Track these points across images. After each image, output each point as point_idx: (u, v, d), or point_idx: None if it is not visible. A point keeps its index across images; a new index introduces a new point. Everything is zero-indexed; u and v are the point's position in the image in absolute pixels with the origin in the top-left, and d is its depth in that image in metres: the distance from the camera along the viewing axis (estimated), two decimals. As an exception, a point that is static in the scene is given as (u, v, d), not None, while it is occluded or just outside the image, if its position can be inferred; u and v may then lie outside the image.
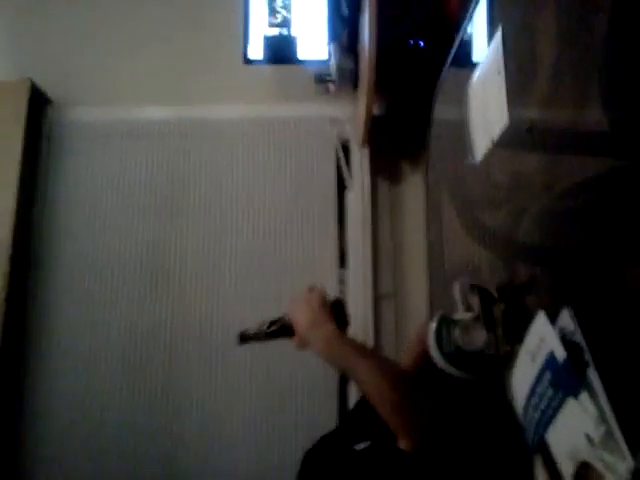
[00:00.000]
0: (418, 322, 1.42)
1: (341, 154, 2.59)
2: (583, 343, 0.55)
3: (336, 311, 1.20)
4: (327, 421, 2.29)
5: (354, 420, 1.33)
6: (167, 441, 2.34)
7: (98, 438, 2.32)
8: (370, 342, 2.37)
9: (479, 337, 0.78)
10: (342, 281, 2.51)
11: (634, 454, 0.46)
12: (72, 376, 2.36)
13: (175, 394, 2.40)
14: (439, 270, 1.24)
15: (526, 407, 0.62)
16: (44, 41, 2.66)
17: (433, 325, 0.82)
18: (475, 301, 0.80)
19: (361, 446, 1.15)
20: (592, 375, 0.53)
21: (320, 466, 1.24)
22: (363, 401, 1.23)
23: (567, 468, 0.55)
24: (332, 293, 2.23)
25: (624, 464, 0.47)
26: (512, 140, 0.86)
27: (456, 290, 0.85)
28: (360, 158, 2.57)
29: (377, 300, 2.44)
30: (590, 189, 0.72)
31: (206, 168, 2.57)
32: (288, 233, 2.52)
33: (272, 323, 1.23)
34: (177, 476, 2.36)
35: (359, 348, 1.14)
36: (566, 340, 0.57)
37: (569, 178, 0.79)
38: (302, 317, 1.18)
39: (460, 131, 1.08)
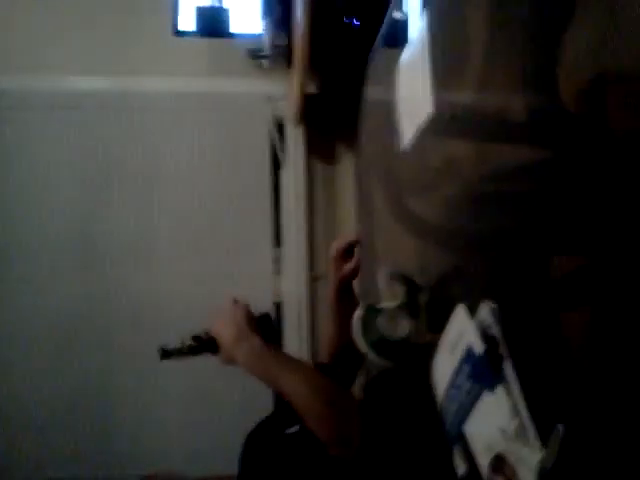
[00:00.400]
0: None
1: (275, 132, 2.56)
2: (500, 337, 0.56)
3: (263, 325, 1.17)
4: (264, 401, 2.30)
5: (286, 404, 1.34)
6: (101, 422, 2.31)
7: (30, 417, 2.28)
8: (304, 322, 2.38)
9: (403, 326, 0.78)
10: (277, 260, 2.50)
11: (544, 447, 0.47)
12: (3, 361, 2.30)
13: (109, 375, 2.36)
14: (368, 256, 1.24)
15: (445, 399, 0.63)
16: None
17: (359, 313, 0.82)
18: (400, 290, 0.81)
19: (291, 430, 1.16)
20: (507, 369, 0.54)
21: (257, 450, 1.24)
22: None
23: (484, 460, 0.56)
24: (266, 277, 2.23)
25: (534, 457, 0.48)
26: (437, 127, 0.86)
27: (381, 278, 0.85)
28: (295, 136, 2.55)
29: (312, 280, 2.45)
30: (514, 177, 0.73)
31: (137, 142, 2.51)
32: (223, 211, 2.49)
33: (195, 338, 1.20)
34: (112, 455, 2.33)
35: (284, 362, 1.13)
36: (485, 333, 0.58)
37: (494, 166, 0.79)
38: (226, 331, 1.15)
39: (389, 113, 1.07)
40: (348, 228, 2.46)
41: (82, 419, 2.31)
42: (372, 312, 0.81)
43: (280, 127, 2.60)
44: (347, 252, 1.36)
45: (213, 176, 2.51)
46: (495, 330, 0.56)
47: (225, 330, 1.16)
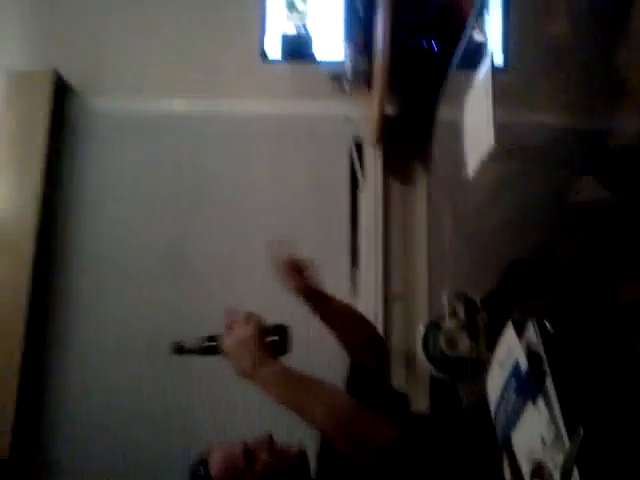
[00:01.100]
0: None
1: (355, 153, 2.64)
2: (543, 355, 0.61)
3: (278, 338, 1.19)
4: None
5: None
6: (181, 434, 2.41)
7: (114, 425, 2.41)
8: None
9: (463, 344, 0.84)
10: (353, 280, 2.56)
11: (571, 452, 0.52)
12: (94, 367, 2.45)
13: (185, 390, 2.47)
14: (436, 273, 1.30)
15: (496, 411, 0.68)
16: (69, 31, 2.72)
17: (421, 330, 0.88)
18: (461, 309, 0.86)
19: None
20: (549, 383, 0.59)
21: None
22: None
23: (526, 467, 0.61)
24: (343, 297, 2.28)
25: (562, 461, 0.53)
26: (499, 156, 0.91)
27: (444, 298, 0.90)
28: (374, 157, 2.62)
29: (387, 300, 2.49)
30: (578, 208, 0.77)
31: (223, 162, 2.64)
32: (301, 230, 2.58)
33: (210, 339, 1.22)
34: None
35: (309, 386, 1.12)
36: (530, 351, 0.63)
37: (557, 196, 0.83)
38: (242, 360, 1.15)
39: (458, 136, 1.13)
40: (422, 248, 2.49)
41: (160, 433, 2.42)
42: (434, 329, 0.87)
43: (359, 148, 2.67)
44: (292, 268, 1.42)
45: (293, 195, 2.61)
46: (540, 348, 0.62)
47: (240, 356, 1.15)
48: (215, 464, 1.31)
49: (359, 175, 2.63)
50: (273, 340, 1.17)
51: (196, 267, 2.56)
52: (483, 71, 0.94)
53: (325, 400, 1.07)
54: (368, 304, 2.45)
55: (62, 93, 2.63)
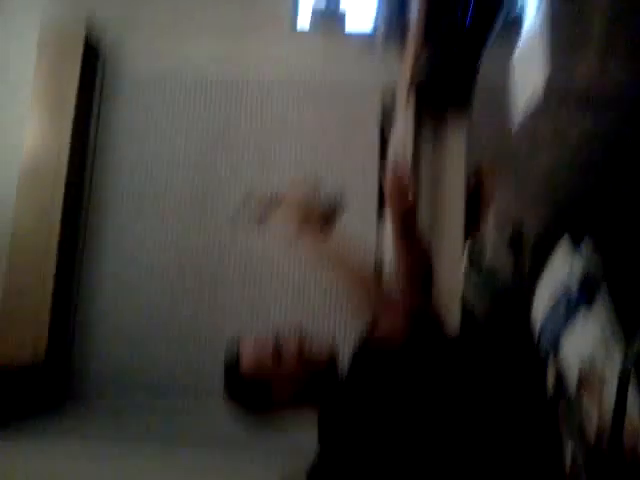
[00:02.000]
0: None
1: (385, 118, 2.65)
2: (600, 264, 0.65)
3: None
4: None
5: None
6: (207, 345, 2.50)
7: (145, 326, 2.52)
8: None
9: (508, 263, 0.87)
10: (382, 218, 2.59)
11: (627, 354, 0.56)
12: (123, 285, 2.55)
13: (218, 303, 2.56)
14: (475, 209, 1.32)
15: (545, 317, 0.72)
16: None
17: (467, 249, 0.91)
18: (507, 230, 0.89)
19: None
20: (603, 293, 0.63)
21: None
22: None
23: (574, 366, 0.65)
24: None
25: (619, 361, 0.57)
26: (550, 101, 0.93)
27: (490, 219, 0.93)
28: (404, 119, 2.61)
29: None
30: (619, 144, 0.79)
31: (253, 115, 2.68)
32: (332, 167, 2.62)
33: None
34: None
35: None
36: (585, 263, 0.67)
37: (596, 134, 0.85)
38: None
39: (502, 94, 1.14)
40: (452, 205, 2.50)
41: (188, 348, 2.52)
42: (479, 248, 0.91)
43: (389, 114, 2.68)
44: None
45: (323, 156, 2.64)
46: (596, 258, 0.65)
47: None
48: (245, 362, 1.34)
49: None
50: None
51: (224, 210, 2.62)
52: (537, 16, 0.95)
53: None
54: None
55: (93, 50, 2.65)
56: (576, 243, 0.70)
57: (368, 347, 1.15)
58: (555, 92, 0.95)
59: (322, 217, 1.28)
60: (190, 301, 2.59)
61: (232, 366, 1.35)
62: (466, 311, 1.11)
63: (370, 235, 2.59)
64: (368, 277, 1.24)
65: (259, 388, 1.33)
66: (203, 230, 2.63)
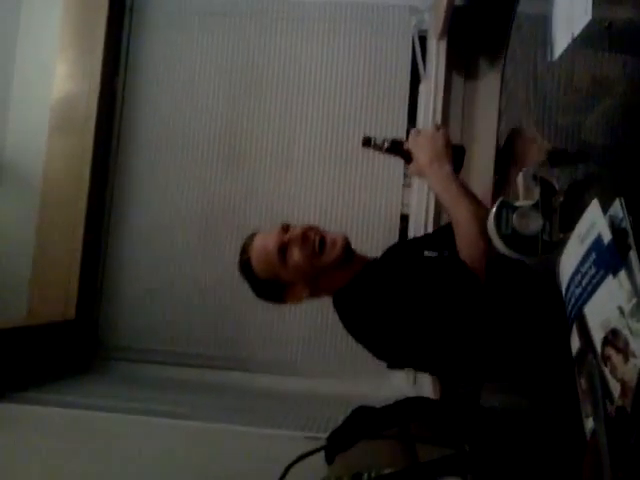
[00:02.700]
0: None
1: (418, 45, 2.57)
2: (629, 229, 0.61)
3: (456, 155, 1.33)
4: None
5: (436, 236, 1.47)
6: (237, 301, 2.52)
7: (172, 285, 2.55)
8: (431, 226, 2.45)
9: (535, 223, 0.84)
10: (407, 174, 2.55)
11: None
12: (153, 229, 2.57)
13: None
14: (505, 165, 1.29)
15: (570, 283, 0.70)
16: None
17: (493, 209, 0.88)
18: (536, 191, 0.86)
19: (429, 254, 1.34)
20: (633, 257, 0.60)
21: (394, 263, 1.40)
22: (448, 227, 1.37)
23: (598, 334, 0.62)
24: (396, 188, 2.29)
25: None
26: (592, 38, 0.88)
27: (520, 179, 0.90)
28: (437, 50, 2.54)
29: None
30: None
31: (284, 49, 2.61)
32: (359, 121, 2.57)
33: (394, 142, 1.38)
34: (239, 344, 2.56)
35: (465, 194, 1.27)
36: (614, 226, 0.63)
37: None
38: (424, 152, 1.31)
39: (542, 26, 1.08)
40: (482, 147, 2.45)
41: (217, 305, 2.54)
42: (507, 208, 0.88)
43: (423, 40, 2.59)
44: None
45: (354, 85, 2.58)
46: (625, 223, 0.62)
47: (424, 149, 1.31)
48: (255, 259, 1.43)
49: (420, 68, 2.56)
50: (454, 150, 1.33)
51: (251, 154, 2.59)
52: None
53: (471, 208, 1.24)
54: (420, 197, 2.46)
55: None
56: (608, 204, 0.66)
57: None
58: (598, 30, 0.90)
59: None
60: (218, 255, 2.60)
61: (245, 267, 1.41)
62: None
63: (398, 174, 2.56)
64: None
65: (277, 284, 1.38)
66: (230, 178, 2.62)
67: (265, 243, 1.41)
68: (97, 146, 2.45)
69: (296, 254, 1.37)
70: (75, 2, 2.48)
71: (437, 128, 1.35)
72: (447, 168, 1.28)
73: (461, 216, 1.23)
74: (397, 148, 1.37)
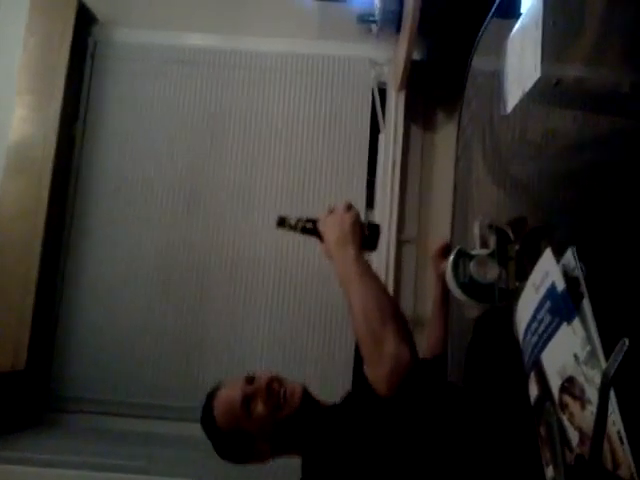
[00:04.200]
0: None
1: (377, 97, 2.63)
2: (581, 277, 0.63)
3: (370, 233, 1.31)
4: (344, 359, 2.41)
5: None
6: (193, 348, 2.49)
7: (127, 333, 2.49)
8: (390, 284, 2.46)
9: (492, 271, 0.86)
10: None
11: (605, 373, 0.54)
12: (108, 277, 2.52)
13: (203, 308, 2.54)
14: (462, 214, 1.31)
15: (526, 332, 0.70)
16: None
17: (451, 257, 0.90)
18: (492, 239, 0.88)
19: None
20: (585, 304, 0.61)
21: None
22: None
23: (555, 382, 0.63)
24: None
25: (599, 379, 0.55)
26: (542, 94, 0.91)
27: (475, 228, 0.92)
28: (396, 102, 2.61)
29: (400, 244, 2.53)
30: (609, 148, 0.78)
31: (245, 98, 2.65)
32: (319, 168, 2.60)
33: (309, 221, 1.36)
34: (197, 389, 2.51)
35: (364, 280, 1.21)
36: (567, 275, 0.65)
37: (591, 136, 0.84)
38: (332, 233, 1.28)
39: (496, 82, 1.12)
40: (440, 196, 2.51)
41: (174, 354, 2.50)
42: (464, 257, 0.89)
43: (382, 92, 2.66)
44: (445, 253, 1.43)
45: (314, 134, 2.62)
46: (577, 271, 0.63)
47: (331, 229, 1.29)
48: (217, 410, 1.43)
49: (380, 118, 2.62)
50: (365, 230, 1.31)
51: (213, 200, 2.59)
52: (533, 5, 0.93)
53: (365, 301, 1.17)
54: (381, 246, 2.47)
55: (84, 20, 2.62)
56: (560, 252, 0.68)
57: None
58: (547, 86, 0.93)
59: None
60: (176, 303, 2.56)
61: (208, 422, 1.40)
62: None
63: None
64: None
65: (240, 439, 1.36)
66: (190, 227, 2.61)
67: (230, 394, 1.45)
68: (53, 191, 2.41)
69: (260, 407, 1.39)
70: (36, 46, 2.48)
71: (347, 208, 1.32)
72: (350, 250, 1.24)
73: (354, 304, 1.17)
74: (310, 228, 1.36)
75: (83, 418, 2.44)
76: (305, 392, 1.42)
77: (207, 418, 1.44)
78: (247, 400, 1.39)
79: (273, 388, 1.40)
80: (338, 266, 1.24)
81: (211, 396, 1.47)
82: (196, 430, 2.26)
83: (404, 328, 1.14)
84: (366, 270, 1.24)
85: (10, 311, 2.27)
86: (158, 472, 1.84)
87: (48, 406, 2.44)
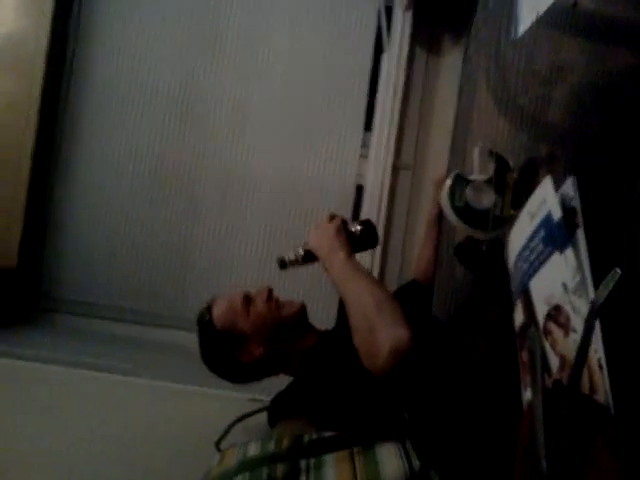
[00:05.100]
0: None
1: (383, 14, 2.54)
2: (578, 208, 0.63)
3: (363, 231, 1.33)
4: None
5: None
6: (184, 258, 2.51)
7: (118, 238, 2.50)
8: (383, 209, 2.46)
9: (488, 197, 0.85)
10: (365, 144, 2.55)
11: (592, 303, 0.55)
12: (100, 180, 2.51)
13: (195, 218, 2.54)
14: (462, 141, 1.29)
15: (517, 259, 0.71)
16: None
17: (448, 181, 0.89)
18: (491, 166, 0.87)
19: None
20: (580, 235, 0.61)
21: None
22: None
23: (542, 309, 0.64)
24: (352, 158, 2.27)
25: (586, 310, 0.56)
26: (556, 19, 0.88)
27: (475, 153, 0.91)
28: (402, 22, 2.52)
29: (396, 170, 2.50)
30: (616, 83, 0.76)
31: (246, 14, 2.56)
32: (319, 86, 2.55)
33: (303, 249, 1.36)
34: (185, 298, 2.54)
35: (359, 282, 1.22)
36: (565, 204, 0.65)
37: (602, 66, 0.82)
38: (320, 247, 1.31)
39: (508, 6, 1.09)
40: (440, 123, 2.47)
41: (165, 262, 2.51)
42: (461, 181, 0.89)
43: (389, 10, 2.57)
44: None
45: (316, 50, 2.54)
46: (575, 201, 0.63)
47: (319, 243, 1.31)
48: (217, 308, 1.46)
49: (385, 37, 2.55)
50: (357, 230, 1.33)
51: (208, 114, 2.55)
52: None
53: (369, 289, 1.19)
54: (377, 169, 2.46)
55: None
56: (559, 182, 0.67)
57: None
58: (563, 9, 0.90)
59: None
60: (166, 212, 2.56)
61: (205, 320, 1.41)
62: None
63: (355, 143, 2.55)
64: None
65: (233, 339, 1.38)
66: (183, 141, 2.57)
67: (231, 294, 1.48)
68: (46, 85, 2.35)
69: (260, 305, 1.44)
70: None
71: (330, 218, 1.34)
72: (340, 255, 1.25)
73: (350, 302, 1.18)
74: (308, 254, 1.35)
75: (73, 320, 2.48)
76: (304, 307, 1.47)
77: (203, 312, 1.48)
78: (248, 299, 1.45)
79: (273, 293, 1.47)
80: (332, 273, 1.25)
81: (211, 301, 1.51)
82: (183, 338, 2.32)
83: (400, 312, 1.14)
84: (357, 269, 1.25)
85: (1, 209, 2.26)
86: (145, 375, 1.88)
87: (39, 306, 2.48)
